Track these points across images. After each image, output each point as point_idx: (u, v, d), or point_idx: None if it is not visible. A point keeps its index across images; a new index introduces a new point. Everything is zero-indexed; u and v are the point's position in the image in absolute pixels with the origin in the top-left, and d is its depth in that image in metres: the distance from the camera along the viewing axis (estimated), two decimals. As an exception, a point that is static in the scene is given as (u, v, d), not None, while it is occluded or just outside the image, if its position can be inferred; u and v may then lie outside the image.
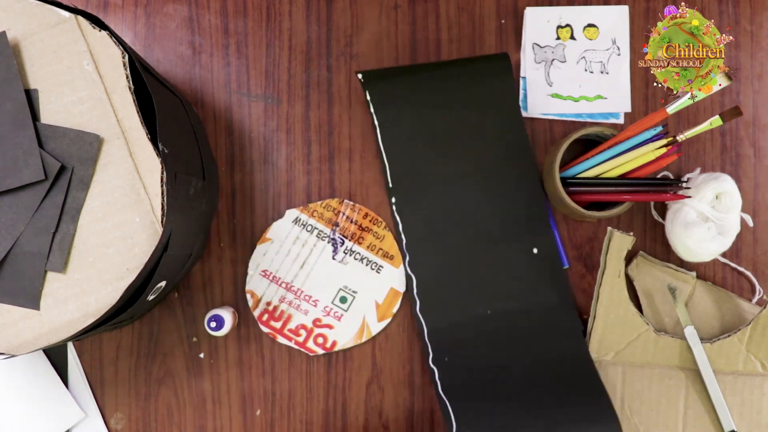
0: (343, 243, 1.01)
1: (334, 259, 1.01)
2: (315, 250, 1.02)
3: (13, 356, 0.74)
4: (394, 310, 1.01)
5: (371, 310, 1.01)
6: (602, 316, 0.98)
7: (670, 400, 0.97)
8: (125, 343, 1.01)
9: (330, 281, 1.01)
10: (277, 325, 1.00)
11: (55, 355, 1.00)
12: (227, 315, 0.94)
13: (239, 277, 1.02)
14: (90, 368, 1.00)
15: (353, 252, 1.02)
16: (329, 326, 1.01)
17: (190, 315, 1.01)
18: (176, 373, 1.01)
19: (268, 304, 1.00)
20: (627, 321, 0.98)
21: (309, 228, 1.02)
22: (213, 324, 0.93)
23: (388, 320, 1.01)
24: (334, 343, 1.01)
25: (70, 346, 1.00)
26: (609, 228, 0.98)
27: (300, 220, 1.02)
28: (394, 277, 1.02)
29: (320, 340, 1.00)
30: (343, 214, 1.02)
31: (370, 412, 1.02)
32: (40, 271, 0.74)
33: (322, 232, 1.02)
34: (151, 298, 0.81)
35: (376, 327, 1.01)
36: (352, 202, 1.02)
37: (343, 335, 1.01)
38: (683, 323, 0.98)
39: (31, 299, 0.74)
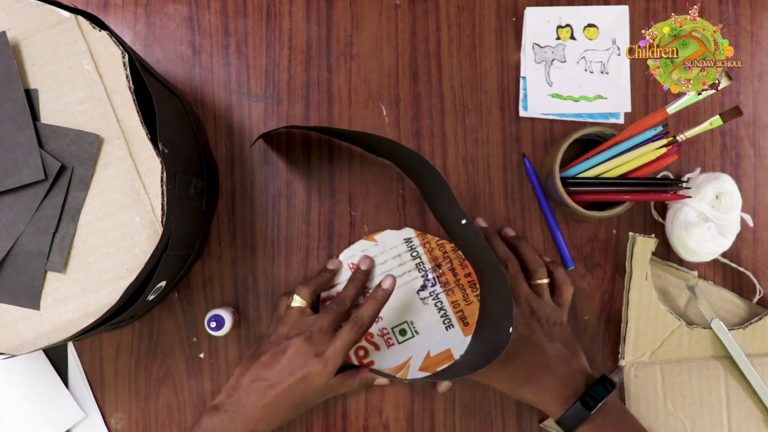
0: (434, 285, 1.01)
1: (418, 293, 1.01)
2: (407, 276, 1.01)
3: (13, 356, 0.74)
4: (439, 369, 1.00)
5: (419, 357, 1.00)
6: (634, 320, 0.98)
7: (711, 390, 0.97)
8: (125, 343, 1.01)
9: (401, 310, 1.01)
10: None
11: (55, 355, 1.00)
12: (227, 315, 0.94)
13: (239, 277, 1.02)
14: (90, 368, 1.01)
15: (437, 298, 1.01)
16: (376, 346, 1.00)
17: (190, 315, 1.01)
18: (176, 373, 1.01)
19: (338, 294, 0.99)
20: (659, 320, 0.98)
21: (414, 254, 1.01)
22: (213, 324, 0.93)
23: (426, 374, 1.00)
24: (371, 363, 1.00)
25: (70, 346, 1.00)
26: (631, 233, 0.98)
27: (411, 242, 1.01)
28: (457, 341, 1.00)
29: (361, 353, 1.00)
30: (451, 261, 1.01)
31: (370, 412, 1.02)
32: (40, 270, 0.74)
33: (423, 264, 1.01)
34: (151, 298, 0.81)
35: (414, 374, 1.00)
36: (463, 257, 1.01)
37: (383, 361, 1.00)
38: (708, 317, 0.98)
39: (31, 299, 0.74)
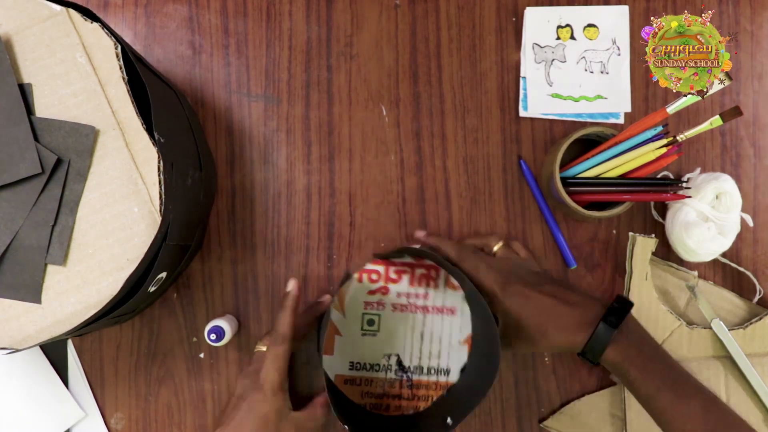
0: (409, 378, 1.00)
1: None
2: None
3: (16, 350, 0.74)
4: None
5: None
6: None
7: (711, 390, 0.96)
8: (125, 343, 1.01)
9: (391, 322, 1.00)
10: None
11: (55, 355, 1.00)
12: (226, 325, 0.94)
13: (239, 277, 1.02)
14: (90, 368, 1.01)
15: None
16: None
17: (190, 315, 1.01)
18: (176, 373, 1.01)
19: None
20: (659, 320, 0.98)
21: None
22: (213, 336, 0.93)
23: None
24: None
25: (70, 346, 1.00)
26: (631, 233, 0.98)
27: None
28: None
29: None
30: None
31: (369, 413, 1.02)
32: (40, 264, 0.74)
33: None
34: (152, 289, 0.81)
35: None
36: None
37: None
38: (708, 317, 0.98)
39: (32, 293, 0.74)
